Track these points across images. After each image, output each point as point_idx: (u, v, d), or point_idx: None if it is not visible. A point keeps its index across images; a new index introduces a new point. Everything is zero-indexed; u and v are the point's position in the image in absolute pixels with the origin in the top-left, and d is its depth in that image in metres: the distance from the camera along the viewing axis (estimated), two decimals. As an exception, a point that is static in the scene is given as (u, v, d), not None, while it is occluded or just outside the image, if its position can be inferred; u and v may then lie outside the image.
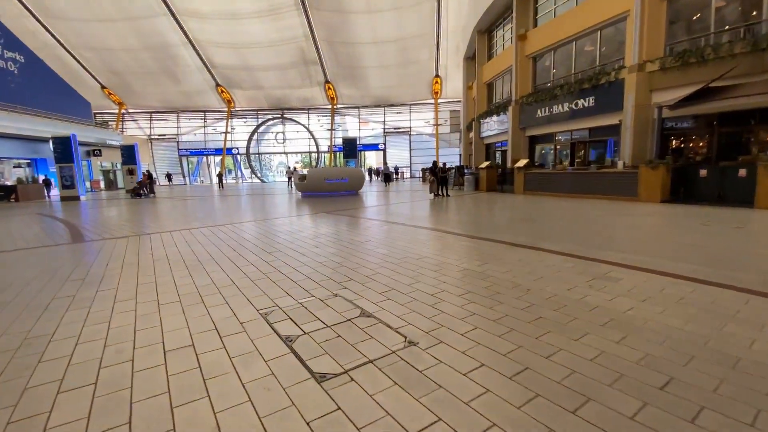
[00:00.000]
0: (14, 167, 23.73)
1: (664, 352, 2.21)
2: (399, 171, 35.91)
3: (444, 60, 32.94)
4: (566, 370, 2.04)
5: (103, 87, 36.32)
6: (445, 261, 4.41)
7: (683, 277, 3.57)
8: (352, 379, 2.00)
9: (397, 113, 39.15)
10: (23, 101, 22.26)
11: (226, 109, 39.40)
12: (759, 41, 9.14)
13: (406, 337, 2.47)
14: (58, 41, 31.09)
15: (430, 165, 15.36)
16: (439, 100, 37.08)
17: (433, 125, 37.62)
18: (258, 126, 40.29)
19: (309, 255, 4.92)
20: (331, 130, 38.98)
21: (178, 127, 40.48)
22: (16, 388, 2.01)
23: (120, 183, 29.44)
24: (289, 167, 36.26)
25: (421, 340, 2.43)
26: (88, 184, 26.19)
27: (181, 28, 30.30)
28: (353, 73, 34.85)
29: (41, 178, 22.53)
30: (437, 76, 34.83)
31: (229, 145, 39.79)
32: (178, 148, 40.47)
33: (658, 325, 2.57)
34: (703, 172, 9.72)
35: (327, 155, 39.58)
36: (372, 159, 42.10)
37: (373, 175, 35.14)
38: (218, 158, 40.67)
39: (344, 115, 40.03)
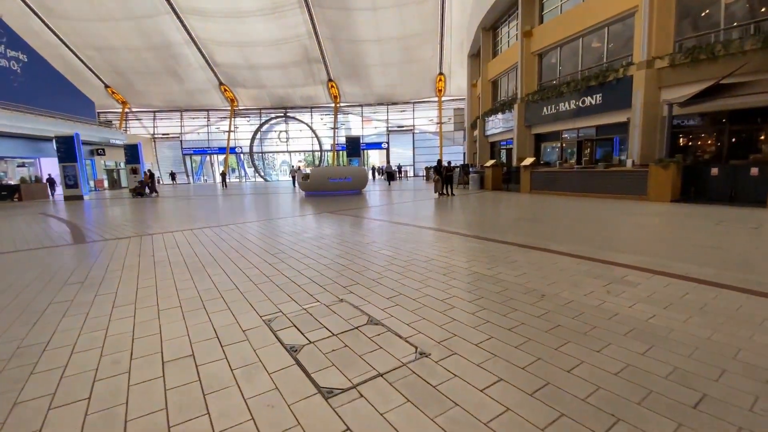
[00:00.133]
0: (18, 167, 23.75)
1: (693, 365, 2.07)
2: (402, 170, 35.71)
3: (448, 57, 32.65)
4: (591, 385, 1.90)
5: (106, 86, 36.40)
6: (454, 263, 4.27)
7: (704, 281, 3.42)
8: (361, 395, 1.87)
9: (401, 111, 38.91)
10: (26, 101, 22.26)
11: (230, 108, 39.38)
12: (769, 38, 8.92)
13: (417, 348, 2.34)
14: (62, 41, 31.15)
15: (435, 164, 15.20)
16: (443, 98, 36.80)
17: (437, 123, 37.37)
18: (261, 125, 40.25)
19: (313, 257, 4.80)
20: (334, 128, 38.80)
21: (181, 126, 40.54)
22: (5, 404, 1.90)
23: (124, 182, 29.46)
24: (293, 166, 36.21)
25: (433, 350, 2.30)
26: (92, 183, 26.22)
27: (184, 26, 30.27)
28: (356, 71, 34.67)
29: (45, 176, 22.56)
30: (441, 73, 34.58)
31: (232, 144, 39.77)
32: (182, 147, 40.54)
33: (683, 335, 2.43)
34: (714, 171, 9.51)
35: (330, 154, 39.46)
36: (375, 158, 41.86)
37: (376, 173, 34.97)
38: (221, 157, 40.64)
39: (347, 114, 39.87)
